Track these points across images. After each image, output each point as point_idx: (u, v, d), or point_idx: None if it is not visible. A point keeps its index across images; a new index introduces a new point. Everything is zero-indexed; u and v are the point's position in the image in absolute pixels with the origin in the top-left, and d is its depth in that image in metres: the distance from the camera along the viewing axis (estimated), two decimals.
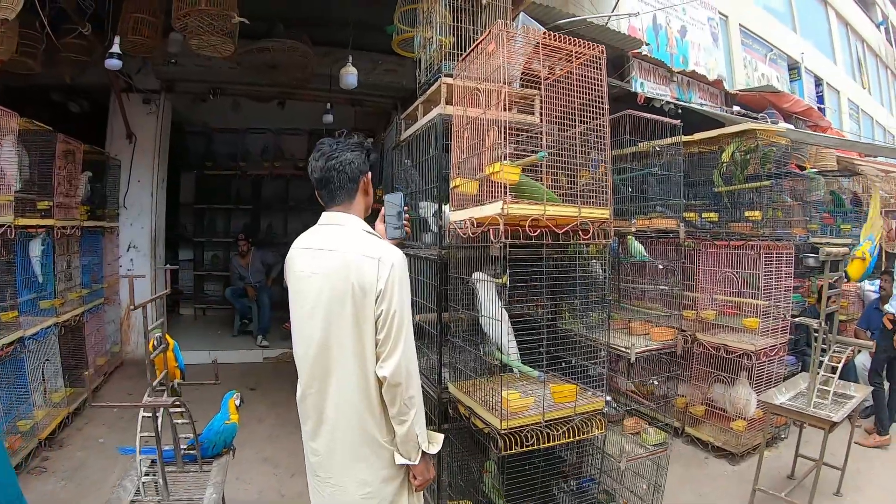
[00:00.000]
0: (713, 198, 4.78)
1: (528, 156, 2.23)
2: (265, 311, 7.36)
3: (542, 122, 2.50)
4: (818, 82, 13.36)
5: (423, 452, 1.79)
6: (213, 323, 8.45)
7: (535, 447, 2.21)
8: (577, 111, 2.39)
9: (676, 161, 3.88)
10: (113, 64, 4.67)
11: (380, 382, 1.72)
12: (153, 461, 2.64)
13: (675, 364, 3.62)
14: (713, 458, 4.37)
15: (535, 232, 2.11)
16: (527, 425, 2.20)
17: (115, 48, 4.67)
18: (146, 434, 2.53)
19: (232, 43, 4.79)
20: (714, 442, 4.39)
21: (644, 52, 6.08)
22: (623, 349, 3.09)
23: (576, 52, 2.30)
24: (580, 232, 2.26)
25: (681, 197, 3.91)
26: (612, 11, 5.17)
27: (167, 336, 2.90)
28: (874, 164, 7.96)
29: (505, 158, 2.08)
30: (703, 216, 4.82)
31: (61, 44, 5.14)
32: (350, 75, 5.03)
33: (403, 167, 3.36)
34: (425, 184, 3.00)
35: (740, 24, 10.39)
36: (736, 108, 6.77)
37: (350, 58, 5.12)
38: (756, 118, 6.31)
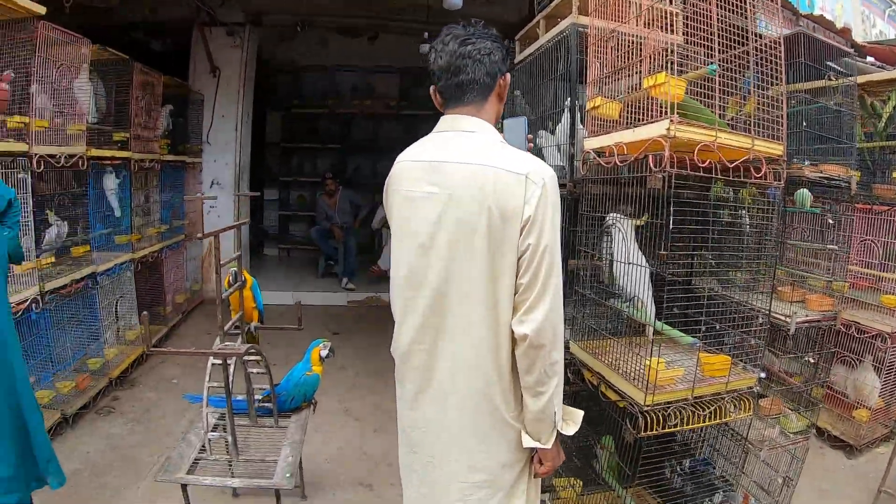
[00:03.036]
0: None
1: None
2: (351, 254, 7.00)
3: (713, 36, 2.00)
4: None
5: (557, 433, 1.37)
6: (298, 264, 8.26)
7: (678, 428, 1.82)
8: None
9: (851, 97, 3.23)
10: None
11: (514, 341, 1.30)
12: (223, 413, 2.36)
13: (830, 340, 3.08)
14: (829, 449, 3.85)
15: (703, 163, 1.68)
16: (672, 402, 1.81)
17: None
18: (215, 384, 2.22)
19: None
20: (831, 430, 3.86)
21: None
22: (783, 318, 2.59)
23: None
24: (752, 169, 1.81)
25: (854, 140, 3.25)
26: None
27: (245, 272, 2.57)
28: None
29: (671, 69, 1.64)
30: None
31: None
32: None
33: (512, 97, 2.93)
34: (538, 112, 2.57)
35: None
36: (869, 59, 5.92)
37: None
38: None
